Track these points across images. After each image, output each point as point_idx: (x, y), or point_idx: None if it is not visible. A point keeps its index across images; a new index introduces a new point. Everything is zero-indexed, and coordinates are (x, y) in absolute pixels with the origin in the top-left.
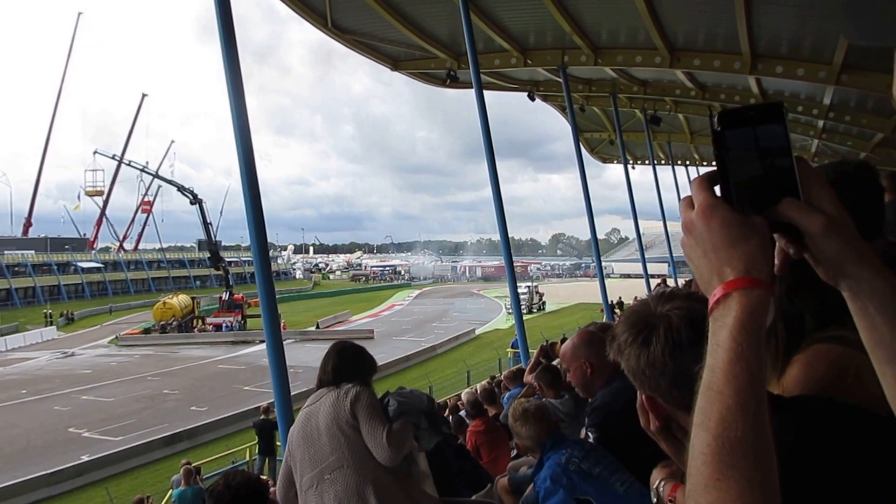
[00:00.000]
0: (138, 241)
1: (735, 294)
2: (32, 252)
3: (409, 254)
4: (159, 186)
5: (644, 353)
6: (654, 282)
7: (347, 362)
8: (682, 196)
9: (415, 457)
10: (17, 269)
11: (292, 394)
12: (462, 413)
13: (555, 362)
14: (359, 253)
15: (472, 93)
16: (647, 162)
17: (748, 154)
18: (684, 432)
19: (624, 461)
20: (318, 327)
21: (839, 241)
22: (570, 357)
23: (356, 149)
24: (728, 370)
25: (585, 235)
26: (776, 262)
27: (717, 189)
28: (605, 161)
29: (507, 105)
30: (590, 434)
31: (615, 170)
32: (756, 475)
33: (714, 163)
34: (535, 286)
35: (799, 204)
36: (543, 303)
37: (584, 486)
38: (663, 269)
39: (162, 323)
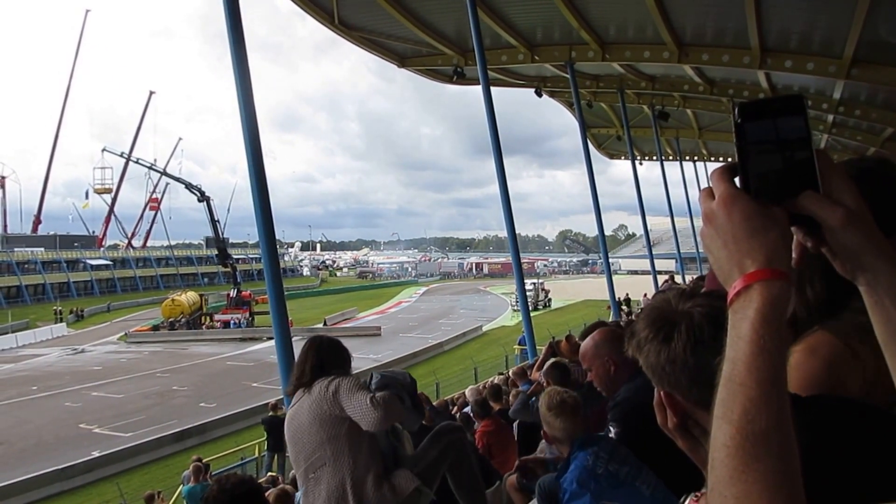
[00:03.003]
0: (146, 239)
1: (756, 286)
2: (42, 249)
3: (416, 251)
4: (167, 184)
5: (665, 350)
6: (661, 278)
7: (326, 359)
8: (702, 188)
9: (401, 438)
10: (26, 266)
11: None
12: (468, 410)
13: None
14: (365, 250)
15: (474, 89)
16: (654, 158)
17: (768, 146)
18: (701, 430)
19: (647, 456)
20: (325, 324)
21: (858, 234)
22: (592, 356)
23: (360, 146)
24: (750, 362)
25: (592, 232)
26: (794, 255)
27: (737, 181)
28: (612, 157)
29: (511, 101)
30: (611, 428)
31: (621, 165)
32: (781, 467)
33: (726, 158)
34: (541, 283)
35: (818, 196)
36: (549, 300)
37: (612, 490)
38: (671, 265)
39: (171, 320)
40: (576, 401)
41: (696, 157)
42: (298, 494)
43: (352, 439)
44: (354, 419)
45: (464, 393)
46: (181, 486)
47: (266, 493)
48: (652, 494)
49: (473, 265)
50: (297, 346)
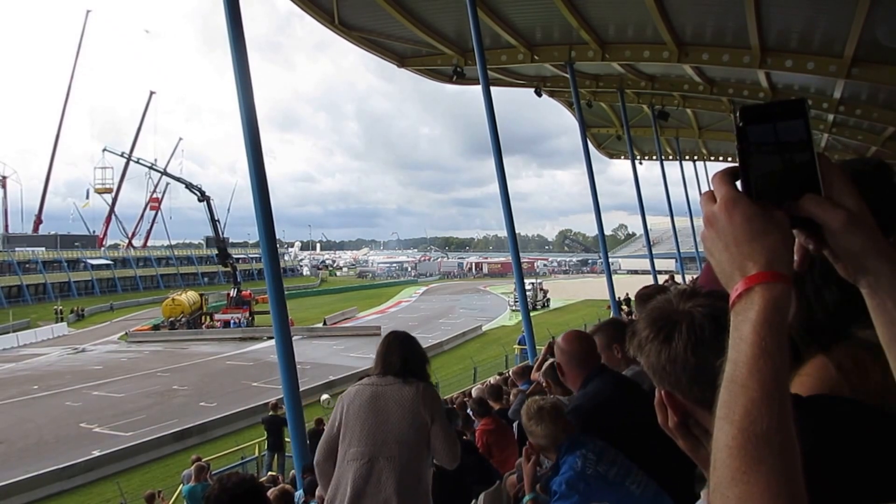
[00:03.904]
0: (147, 238)
1: (758, 288)
2: (43, 249)
3: (416, 250)
4: (167, 184)
5: (665, 350)
6: (661, 278)
7: (413, 354)
8: (703, 189)
9: None
10: (27, 265)
11: (301, 389)
12: (469, 410)
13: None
14: (365, 249)
15: (473, 88)
16: (654, 157)
17: (769, 149)
18: (702, 429)
19: None
20: (325, 324)
21: (860, 236)
22: (557, 355)
23: (360, 145)
24: (752, 364)
25: (592, 231)
26: (795, 258)
27: (739, 184)
28: (611, 157)
29: (510, 100)
30: None
31: (620, 165)
32: (782, 468)
33: (726, 157)
34: (540, 283)
35: (820, 199)
36: (548, 300)
37: (602, 491)
38: (671, 265)
39: (171, 319)
40: (554, 405)
41: (695, 157)
42: (298, 493)
43: (427, 451)
44: (436, 445)
45: (463, 393)
46: (181, 485)
47: (267, 493)
48: (642, 493)
49: (473, 265)
50: (297, 346)
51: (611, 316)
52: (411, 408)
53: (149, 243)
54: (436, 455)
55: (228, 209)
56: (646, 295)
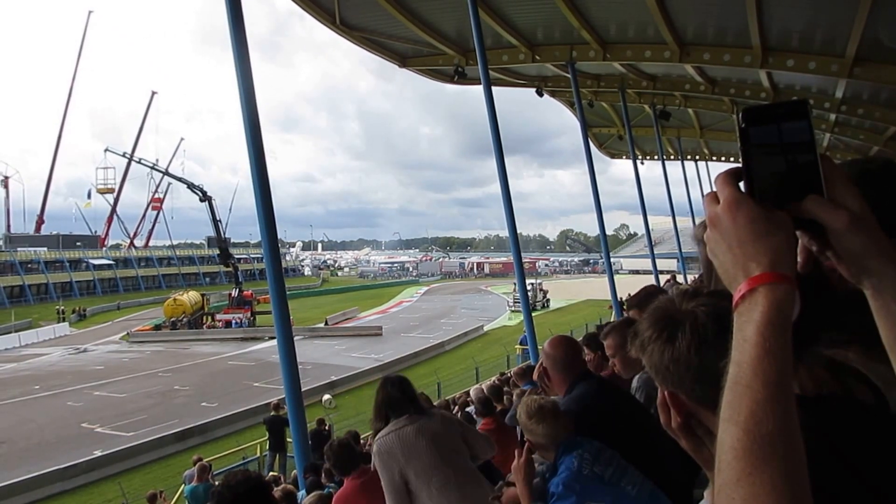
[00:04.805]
0: (148, 238)
1: (761, 289)
2: (45, 249)
3: (417, 250)
4: (169, 184)
5: (668, 350)
6: (663, 278)
7: (412, 391)
8: (706, 190)
9: None
10: (30, 265)
11: (302, 390)
12: (470, 409)
13: None
14: (367, 249)
15: (474, 88)
16: (655, 157)
17: (772, 150)
18: (705, 429)
19: None
20: (326, 324)
21: (863, 237)
22: (542, 359)
23: (360, 145)
24: (756, 365)
25: (594, 231)
26: (799, 259)
27: (742, 185)
28: (613, 157)
29: (511, 100)
30: None
31: (621, 165)
32: (788, 469)
33: (728, 157)
34: (539, 283)
35: (823, 200)
36: (547, 300)
37: (599, 492)
38: (673, 264)
39: (172, 319)
40: (554, 404)
41: (697, 157)
42: (301, 493)
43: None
44: (475, 445)
45: (465, 393)
46: (183, 485)
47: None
48: (638, 493)
49: (474, 265)
50: (298, 346)
51: (614, 316)
52: (449, 428)
53: (150, 243)
54: (479, 452)
55: (230, 209)
56: (642, 299)
